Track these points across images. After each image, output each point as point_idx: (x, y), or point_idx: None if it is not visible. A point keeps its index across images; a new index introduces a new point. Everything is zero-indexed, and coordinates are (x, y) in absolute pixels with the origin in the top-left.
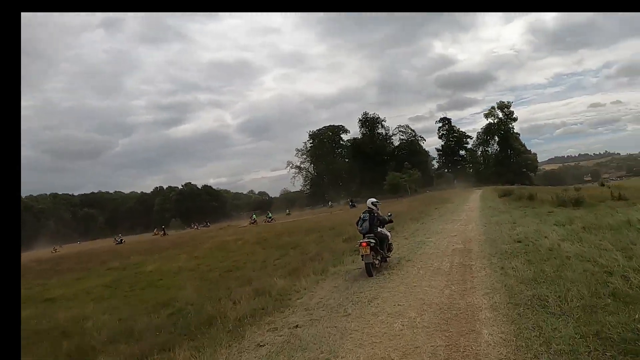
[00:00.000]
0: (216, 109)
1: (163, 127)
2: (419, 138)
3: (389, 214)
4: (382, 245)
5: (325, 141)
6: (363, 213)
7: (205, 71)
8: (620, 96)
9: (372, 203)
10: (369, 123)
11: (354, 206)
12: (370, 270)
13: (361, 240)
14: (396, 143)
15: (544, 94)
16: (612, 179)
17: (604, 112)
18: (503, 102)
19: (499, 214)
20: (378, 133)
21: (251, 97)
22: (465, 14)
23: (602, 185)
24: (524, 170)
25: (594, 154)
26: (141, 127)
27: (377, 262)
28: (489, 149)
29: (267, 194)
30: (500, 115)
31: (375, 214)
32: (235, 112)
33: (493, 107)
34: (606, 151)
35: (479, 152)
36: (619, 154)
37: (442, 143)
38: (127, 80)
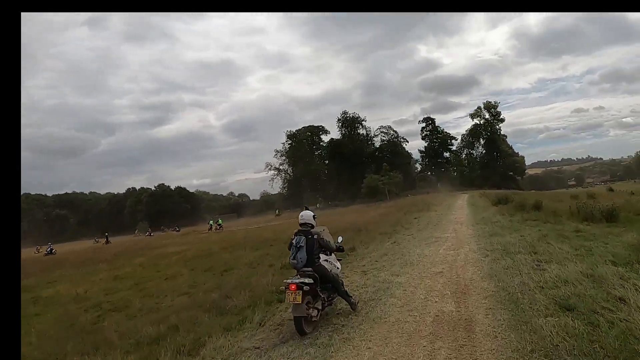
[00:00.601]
0: (200, 109)
1: (147, 126)
2: (402, 140)
3: (340, 240)
4: (324, 286)
5: (303, 142)
6: (296, 235)
7: (189, 71)
8: (603, 102)
9: (308, 221)
10: (349, 123)
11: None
12: (301, 327)
13: (289, 281)
14: (378, 145)
15: (527, 99)
16: (597, 184)
17: (586, 117)
18: (490, 102)
19: (503, 232)
20: (358, 133)
21: (235, 97)
22: (450, 18)
23: (611, 190)
24: (511, 173)
25: (576, 158)
26: (124, 126)
27: (314, 313)
28: (474, 151)
29: (248, 196)
30: (487, 115)
31: (316, 237)
32: (220, 112)
33: (479, 107)
34: (589, 156)
35: (464, 155)
36: (602, 158)
37: (426, 144)
38: (110, 78)
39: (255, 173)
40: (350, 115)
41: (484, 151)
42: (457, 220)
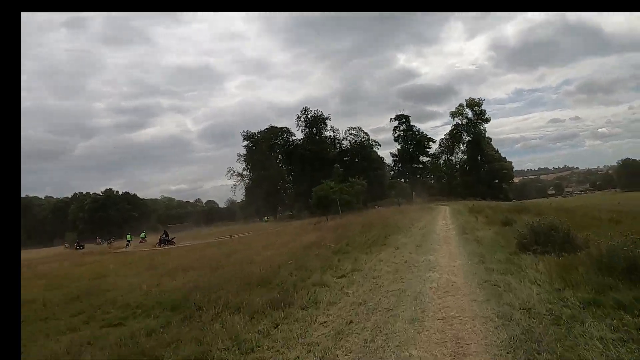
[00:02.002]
0: (178, 114)
1: (124, 130)
2: (374, 143)
3: None
4: None
5: (261, 144)
6: None
7: (168, 75)
8: (579, 112)
9: None
10: (311, 122)
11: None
12: None
13: None
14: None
15: (504, 109)
16: (576, 193)
17: (562, 127)
18: (473, 99)
19: None
20: (323, 135)
21: (214, 103)
22: (429, 28)
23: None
24: (496, 181)
25: (553, 167)
26: (102, 130)
27: None
28: (454, 157)
29: (217, 203)
30: (470, 114)
31: None
32: (197, 118)
33: (461, 105)
34: (565, 165)
35: (442, 161)
36: (578, 168)
37: (399, 146)
38: (88, 81)
39: (230, 180)
40: (313, 113)
41: (466, 156)
42: (449, 287)
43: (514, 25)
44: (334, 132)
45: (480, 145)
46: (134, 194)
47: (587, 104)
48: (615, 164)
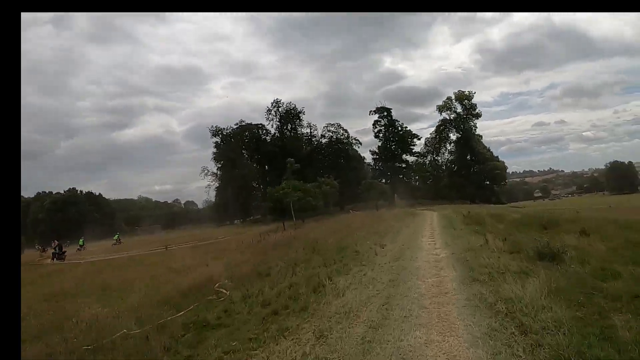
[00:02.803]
0: (163, 114)
1: (108, 130)
2: (354, 141)
3: None
4: None
5: (232, 141)
6: None
7: (153, 75)
8: (564, 116)
9: None
10: (283, 116)
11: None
12: None
13: None
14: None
15: (490, 112)
16: (563, 196)
17: (547, 131)
18: (463, 91)
19: None
20: (298, 131)
21: (199, 103)
22: (416, 31)
23: None
24: (488, 182)
25: (538, 170)
26: (86, 129)
27: None
28: (440, 157)
29: (197, 204)
30: (459, 109)
31: None
32: (182, 118)
33: (449, 98)
34: (550, 168)
35: (428, 161)
36: (563, 171)
37: (379, 143)
38: (72, 79)
39: (214, 181)
40: (285, 107)
41: (454, 155)
42: None
43: (501, 29)
44: (310, 129)
45: (470, 143)
46: (99, 194)
47: (573, 107)
48: (602, 167)
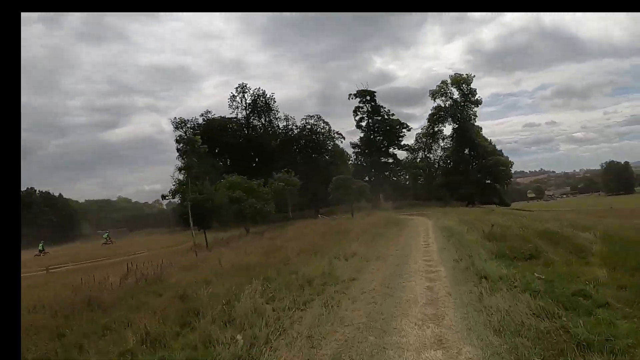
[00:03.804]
0: (153, 113)
1: (99, 129)
2: (336, 135)
3: None
4: None
5: (197, 137)
6: None
7: (143, 74)
8: (555, 117)
9: None
10: (250, 104)
11: None
12: None
13: None
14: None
15: (481, 113)
16: (557, 197)
17: (538, 131)
18: (460, 74)
19: None
20: (271, 124)
21: (189, 103)
22: (406, 30)
23: None
24: (489, 181)
25: (529, 171)
26: (76, 128)
27: None
28: (432, 155)
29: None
30: (456, 94)
31: None
32: (173, 117)
33: (444, 82)
34: (541, 169)
35: (419, 158)
36: (554, 172)
37: (362, 134)
38: (63, 78)
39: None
40: (253, 93)
41: (449, 150)
42: None
43: (491, 29)
44: (287, 121)
45: (468, 134)
46: (59, 194)
47: (563, 108)
48: (594, 168)
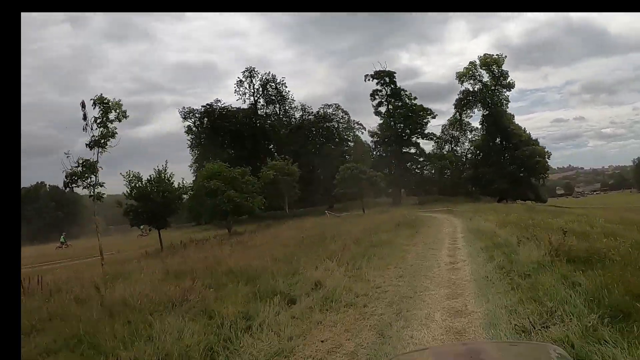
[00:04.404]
0: (178, 111)
1: (125, 127)
2: (356, 125)
3: None
4: None
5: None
6: None
7: (169, 72)
8: (583, 113)
9: None
10: (259, 90)
11: None
12: None
13: None
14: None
15: (508, 108)
16: (587, 193)
17: (566, 127)
18: (490, 54)
19: None
20: (285, 112)
21: (215, 99)
22: (432, 27)
23: None
24: (523, 174)
25: (557, 167)
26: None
27: None
28: (459, 147)
29: None
30: (486, 78)
31: None
32: (181, 107)
33: (472, 63)
34: (570, 165)
35: (446, 151)
36: (583, 168)
37: (381, 121)
38: (90, 77)
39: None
40: (262, 78)
41: (479, 140)
42: None
43: (518, 25)
44: (304, 111)
45: (500, 121)
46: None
47: (591, 104)
48: (624, 165)
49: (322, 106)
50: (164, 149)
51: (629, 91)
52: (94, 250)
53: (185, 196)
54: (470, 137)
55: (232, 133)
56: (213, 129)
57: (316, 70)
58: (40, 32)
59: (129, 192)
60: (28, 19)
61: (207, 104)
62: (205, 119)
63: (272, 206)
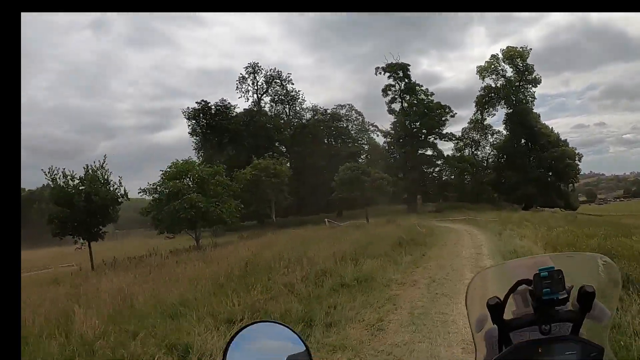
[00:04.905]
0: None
1: (146, 131)
2: (371, 127)
3: None
4: None
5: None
6: None
7: (190, 77)
8: (604, 118)
9: None
10: (263, 87)
11: None
12: None
13: None
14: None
15: (534, 107)
16: (610, 200)
17: (587, 133)
18: (514, 47)
19: None
20: (295, 112)
21: (235, 104)
22: (451, 32)
23: None
24: (551, 178)
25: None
26: (124, 130)
27: None
28: (479, 152)
29: None
30: (510, 72)
31: None
32: (185, 108)
33: (495, 57)
34: (591, 171)
35: (466, 154)
36: (604, 174)
37: (394, 118)
38: (112, 82)
39: None
40: (267, 74)
41: (503, 142)
42: None
43: (537, 29)
44: (316, 112)
45: (526, 120)
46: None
47: (612, 109)
48: None
49: (335, 106)
50: (184, 153)
51: None
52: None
53: (122, 200)
54: (491, 140)
55: (230, 132)
56: (210, 127)
57: (335, 76)
58: (63, 38)
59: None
60: (50, 24)
61: (202, 100)
62: (202, 117)
63: (258, 213)
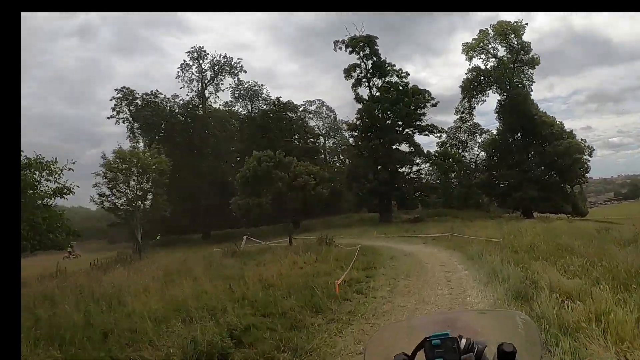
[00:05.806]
0: None
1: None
2: (344, 125)
3: None
4: None
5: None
6: None
7: (176, 84)
8: (590, 122)
9: None
10: (204, 76)
11: None
12: None
13: None
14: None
15: (532, 92)
16: (601, 203)
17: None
18: (507, 21)
19: None
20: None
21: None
22: (436, 39)
23: None
24: (556, 177)
25: None
26: (110, 137)
27: None
28: (467, 152)
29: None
30: (502, 52)
31: None
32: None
33: (484, 33)
34: None
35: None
36: (592, 177)
37: (360, 106)
38: (98, 89)
39: None
40: (214, 60)
41: (498, 130)
42: None
43: (523, 36)
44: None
45: (524, 108)
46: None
47: (598, 113)
48: (635, 173)
49: (304, 102)
50: None
51: (634, 100)
52: None
53: None
54: (480, 140)
55: (157, 126)
56: (135, 120)
57: (321, 82)
58: (49, 45)
59: None
60: (36, 30)
61: (124, 87)
62: (126, 107)
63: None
